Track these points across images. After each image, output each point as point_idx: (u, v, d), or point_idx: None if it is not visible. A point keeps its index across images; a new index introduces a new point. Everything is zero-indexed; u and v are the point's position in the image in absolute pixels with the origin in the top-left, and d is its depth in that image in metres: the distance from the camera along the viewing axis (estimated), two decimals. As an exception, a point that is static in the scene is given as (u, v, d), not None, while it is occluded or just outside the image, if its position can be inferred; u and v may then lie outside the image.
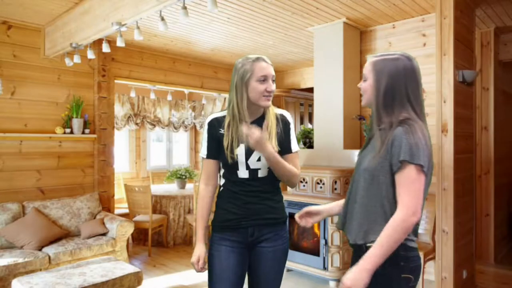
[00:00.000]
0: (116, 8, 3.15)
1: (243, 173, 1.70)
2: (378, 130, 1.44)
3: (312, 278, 3.86)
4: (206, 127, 1.75)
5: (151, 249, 4.90)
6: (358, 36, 4.45)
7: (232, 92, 1.68)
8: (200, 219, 1.76)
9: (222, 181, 1.78)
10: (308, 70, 6.41)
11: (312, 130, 4.58)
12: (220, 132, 1.71)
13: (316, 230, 3.91)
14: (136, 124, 6.96)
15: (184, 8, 2.78)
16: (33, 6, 3.67)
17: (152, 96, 6.47)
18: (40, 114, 4.31)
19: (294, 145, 1.79)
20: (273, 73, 1.69)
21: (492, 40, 4.46)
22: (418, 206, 1.32)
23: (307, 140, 4.75)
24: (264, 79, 1.65)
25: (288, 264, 4.05)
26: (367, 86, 1.49)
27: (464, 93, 3.24)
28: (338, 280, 3.71)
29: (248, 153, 1.68)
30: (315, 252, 3.82)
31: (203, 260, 1.72)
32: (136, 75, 5.21)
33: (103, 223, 4.14)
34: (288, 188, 4.22)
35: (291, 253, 4.05)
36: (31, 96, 4.23)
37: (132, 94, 6.50)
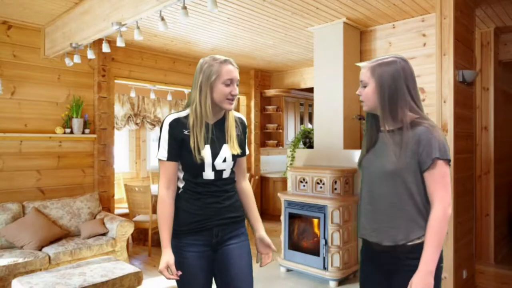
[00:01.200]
0: (116, 8, 3.15)
1: (209, 174, 1.68)
2: (387, 132, 1.50)
3: (312, 278, 3.85)
4: (166, 127, 1.66)
5: (151, 249, 4.90)
6: (358, 36, 4.45)
7: (196, 91, 1.67)
8: (164, 224, 1.65)
9: (182, 184, 1.72)
10: (308, 70, 6.41)
11: (312, 130, 4.58)
12: (184, 133, 1.66)
13: (316, 230, 3.91)
14: (136, 124, 6.96)
15: (184, 8, 2.78)
16: (33, 6, 3.67)
17: (152, 96, 6.47)
18: (40, 114, 4.31)
19: (247, 148, 1.88)
20: (238, 77, 1.70)
21: (492, 40, 4.46)
22: (450, 197, 1.45)
23: (307, 140, 4.75)
24: (230, 83, 1.65)
25: (288, 264, 4.05)
26: (369, 92, 1.53)
27: (464, 93, 3.24)
28: (338, 280, 3.71)
29: (214, 154, 1.68)
30: (315, 252, 3.82)
31: (174, 267, 1.62)
32: (136, 75, 5.21)
33: (103, 223, 4.14)
34: (288, 188, 4.22)
35: (291, 253, 4.05)
36: (31, 96, 4.23)
37: (132, 94, 6.49)
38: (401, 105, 1.48)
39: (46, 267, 3.45)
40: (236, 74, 1.68)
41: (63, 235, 3.93)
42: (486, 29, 4.46)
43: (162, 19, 2.97)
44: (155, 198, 5.31)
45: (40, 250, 3.62)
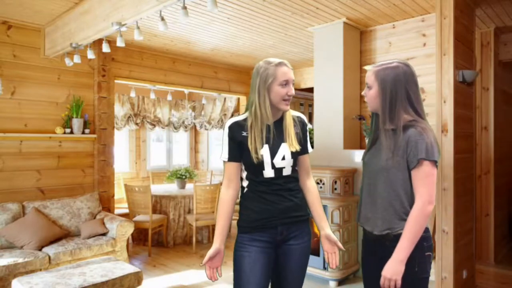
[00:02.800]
0: (116, 8, 3.15)
1: (269, 172, 1.74)
2: (385, 131, 1.64)
3: (312, 278, 3.85)
4: (226, 130, 1.77)
5: (151, 249, 4.90)
6: (358, 36, 4.45)
7: (254, 94, 1.74)
8: (219, 221, 1.76)
9: (246, 183, 1.80)
10: (308, 70, 6.42)
11: (312, 130, 4.58)
12: (243, 134, 1.74)
13: (316, 230, 3.91)
14: (136, 124, 6.96)
15: (184, 8, 2.78)
16: (33, 6, 3.67)
17: (152, 96, 6.48)
18: (40, 114, 4.31)
19: (309, 146, 1.91)
20: (293, 77, 1.78)
21: (492, 40, 4.46)
22: (433, 195, 1.56)
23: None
24: (286, 83, 1.73)
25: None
26: (372, 94, 1.67)
27: (464, 93, 3.24)
28: (338, 280, 3.71)
29: (273, 152, 1.74)
30: (315, 252, 3.82)
31: (219, 261, 1.74)
32: (136, 75, 5.21)
33: (103, 223, 4.14)
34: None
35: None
36: (31, 96, 4.23)
37: (132, 94, 6.50)
38: (398, 108, 1.61)
39: (46, 267, 3.45)
40: (291, 75, 1.75)
41: (63, 235, 3.93)
42: (486, 29, 4.46)
43: (162, 19, 2.97)
44: (155, 198, 5.32)
45: (40, 250, 3.62)
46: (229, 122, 1.79)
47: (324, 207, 3.74)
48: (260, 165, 1.73)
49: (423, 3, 3.69)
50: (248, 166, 1.77)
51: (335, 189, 3.81)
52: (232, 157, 1.77)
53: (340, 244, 1.83)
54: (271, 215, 1.74)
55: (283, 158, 1.75)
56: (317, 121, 4.41)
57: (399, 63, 1.64)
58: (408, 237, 1.53)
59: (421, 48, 4.04)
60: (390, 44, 4.27)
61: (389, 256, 1.57)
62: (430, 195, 1.55)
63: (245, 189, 1.81)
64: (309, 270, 3.83)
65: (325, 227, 1.85)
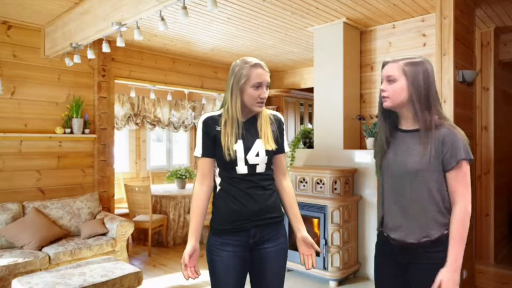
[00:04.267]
0: (116, 8, 3.15)
1: (242, 169, 1.70)
2: (407, 132, 1.56)
3: (312, 278, 3.85)
4: (200, 126, 1.74)
5: (151, 249, 4.90)
6: (358, 36, 4.44)
7: (228, 93, 1.72)
8: (193, 218, 1.72)
9: (218, 180, 1.76)
10: (308, 70, 6.41)
11: (312, 130, 4.58)
12: (217, 129, 1.71)
13: (316, 230, 3.91)
14: (136, 124, 6.96)
15: (184, 8, 2.78)
16: (33, 6, 3.67)
17: (152, 96, 6.47)
18: (40, 114, 4.31)
19: (286, 145, 1.87)
20: (269, 80, 1.72)
21: (492, 40, 4.46)
22: (470, 195, 1.51)
23: (307, 140, 4.74)
24: (259, 86, 1.68)
25: (288, 264, 4.05)
26: (397, 88, 1.53)
27: (464, 93, 3.24)
28: (338, 280, 3.71)
29: (247, 148, 1.70)
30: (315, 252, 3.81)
31: (195, 259, 1.70)
32: (136, 75, 5.21)
33: (103, 223, 4.14)
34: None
35: (291, 253, 4.02)
36: (31, 96, 4.23)
37: (132, 94, 6.49)
38: (433, 105, 1.52)
39: (46, 267, 3.45)
40: (266, 78, 1.70)
41: (63, 235, 3.93)
42: (486, 29, 4.46)
43: (162, 19, 2.97)
44: (155, 198, 5.32)
45: (40, 250, 3.62)
46: (203, 117, 1.75)
47: (324, 207, 3.74)
48: (233, 161, 1.69)
49: (423, 3, 3.68)
50: (221, 161, 1.72)
51: (335, 189, 3.81)
52: (206, 153, 1.72)
53: (316, 247, 1.80)
54: (243, 217, 1.69)
55: (257, 155, 1.71)
56: (317, 121, 4.42)
57: (423, 59, 1.56)
58: (459, 242, 1.46)
59: (421, 48, 4.04)
60: (390, 44, 4.27)
61: (420, 262, 1.52)
62: (470, 196, 1.50)
63: (218, 188, 1.76)
64: (309, 270, 3.82)
65: (302, 229, 1.80)
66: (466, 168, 1.50)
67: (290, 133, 7.26)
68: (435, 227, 1.51)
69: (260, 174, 1.73)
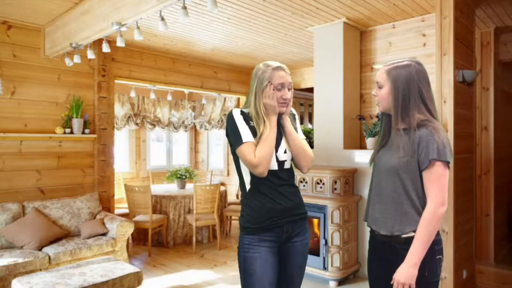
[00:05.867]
0: (116, 8, 3.15)
1: (273, 165, 1.75)
2: (397, 130, 1.61)
3: (312, 278, 3.85)
4: (238, 116, 1.75)
5: (151, 249, 4.90)
6: (358, 36, 4.45)
7: (251, 95, 1.79)
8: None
9: (248, 179, 1.77)
10: (308, 70, 6.41)
11: (312, 130, 4.58)
12: (250, 124, 1.76)
13: (316, 230, 3.91)
14: (136, 124, 6.96)
15: (184, 8, 2.78)
16: (33, 6, 3.67)
17: (152, 96, 6.48)
18: (40, 114, 4.31)
19: (301, 134, 1.94)
20: (290, 80, 1.81)
21: (492, 40, 4.46)
22: (445, 197, 1.53)
23: (307, 140, 4.76)
24: (281, 87, 1.76)
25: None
26: (384, 93, 1.64)
27: (464, 93, 3.24)
28: (338, 280, 3.71)
29: (277, 145, 1.77)
30: (315, 252, 3.82)
31: None
32: (136, 75, 5.21)
33: (103, 223, 4.14)
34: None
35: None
36: (31, 96, 4.23)
37: (132, 94, 6.50)
38: (412, 107, 1.57)
39: (46, 267, 3.45)
40: (287, 79, 1.78)
41: (63, 235, 3.93)
42: (486, 29, 4.46)
43: (162, 19, 2.97)
44: (155, 198, 5.32)
45: (40, 250, 3.62)
46: (236, 110, 1.78)
47: (324, 207, 3.74)
48: None
49: (423, 3, 3.68)
50: None
51: (335, 189, 3.81)
52: (253, 137, 1.72)
53: None
54: (277, 214, 1.74)
55: (285, 152, 1.80)
56: (317, 121, 4.42)
57: (411, 62, 1.62)
58: (421, 240, 1.50)
59: (421, 48, 4.04)
60: (390, 44, 4.27)
61: (399, 259, 1.55)
62: (443, 197, 1.52)
63: (248, 187, 1.79)
64: (309, 270, 3.83)
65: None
66: (439, 169, 1.52)
67: (290, 133, 7.24)
68: (408, 223, 1.56)
69: (287, 170, 1.81)
